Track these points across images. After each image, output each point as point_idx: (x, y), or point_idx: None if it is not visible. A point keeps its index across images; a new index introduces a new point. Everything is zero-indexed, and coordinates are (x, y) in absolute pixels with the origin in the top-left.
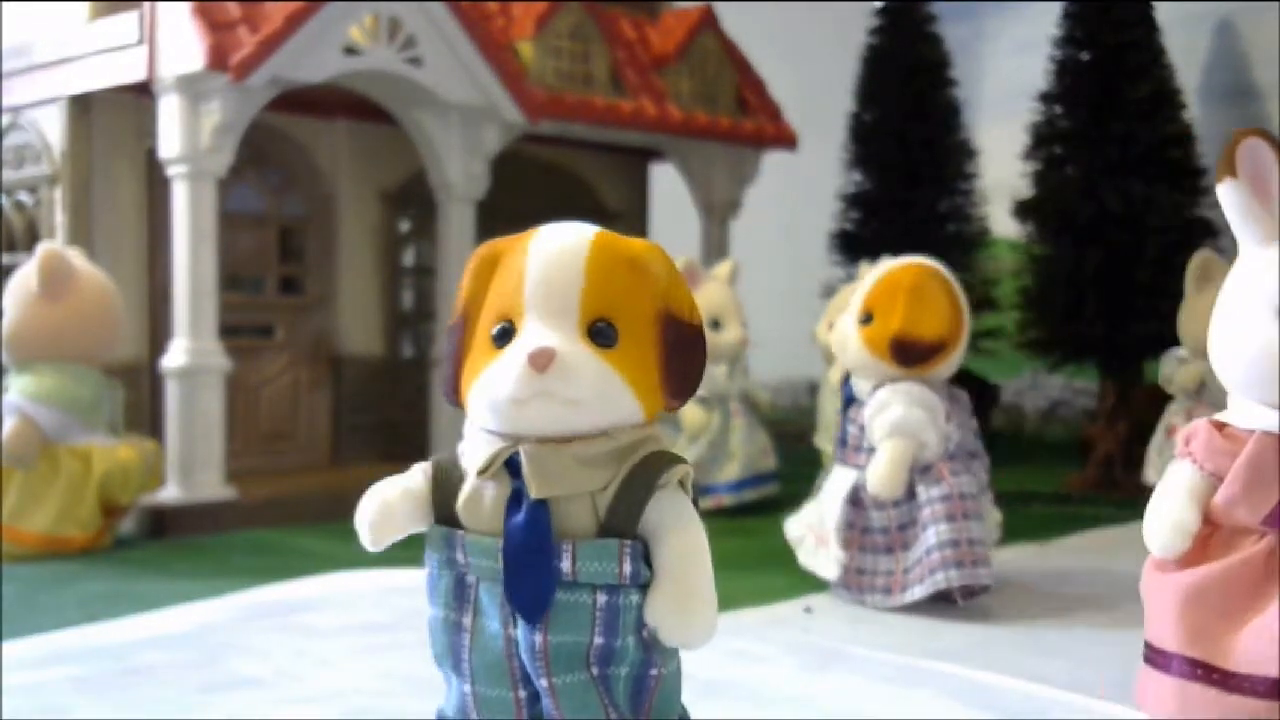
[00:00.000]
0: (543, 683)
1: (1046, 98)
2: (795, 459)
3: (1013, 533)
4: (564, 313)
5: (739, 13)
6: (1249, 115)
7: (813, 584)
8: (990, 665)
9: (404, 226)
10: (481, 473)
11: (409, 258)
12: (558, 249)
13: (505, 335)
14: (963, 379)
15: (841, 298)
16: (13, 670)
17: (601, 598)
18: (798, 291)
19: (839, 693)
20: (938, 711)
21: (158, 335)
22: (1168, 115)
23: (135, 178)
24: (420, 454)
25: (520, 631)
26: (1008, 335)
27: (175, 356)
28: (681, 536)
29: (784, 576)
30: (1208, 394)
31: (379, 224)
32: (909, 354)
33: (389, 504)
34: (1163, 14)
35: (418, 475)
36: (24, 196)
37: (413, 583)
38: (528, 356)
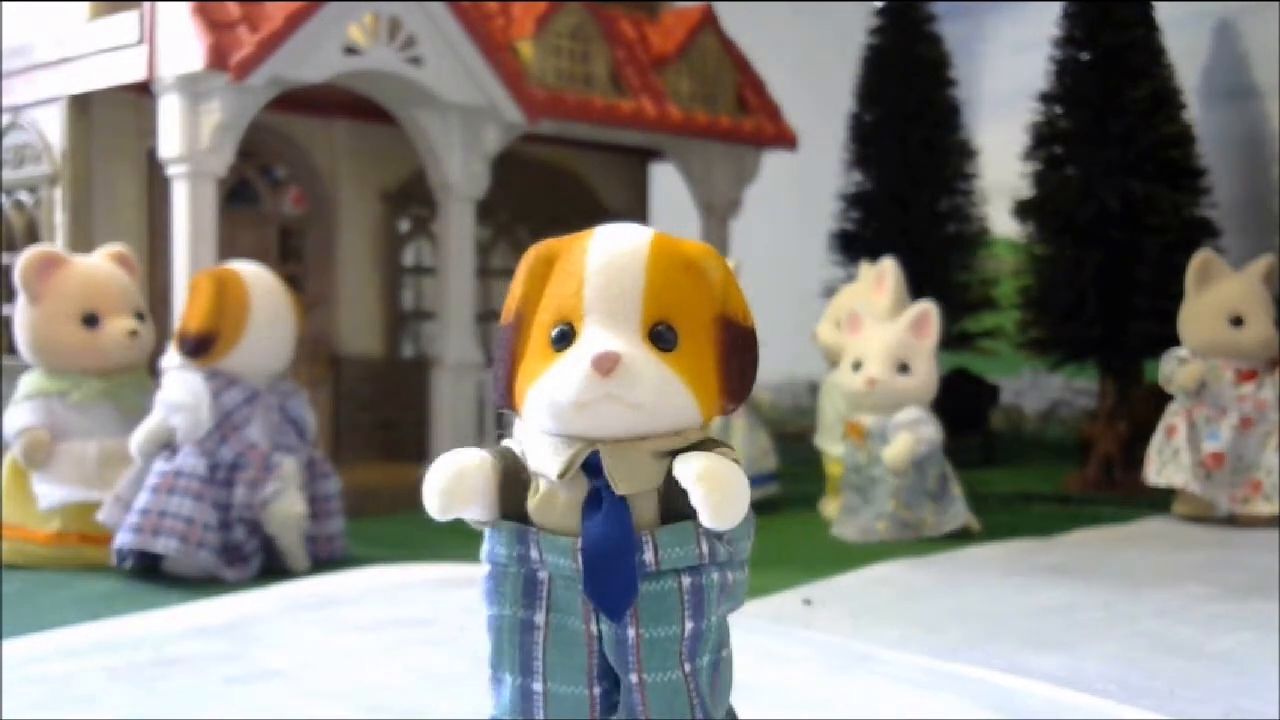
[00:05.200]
0: (632, 678)
1: (1046, 98)
2: (796, 459)
3: (1014, 530)
4: (625, 315)
5: (739, 13)
6: (1249, 115)
7: (810, 578)
8: (991, 661)
9: (404, 226)
10: (561, 475)
11: (409, 258)
12: (617, 251)
13: (565, 338)
14: (962, 378)
15: (842, 298)
16: (49, 660)
17: (686, 580)
18: (798, 291)
19: (857, 694)
20: (959, 714)
21: (158, 335)
22: (1167, 115)
23: (135, 177)
24: (420, 454)
25: (606, 627)
26: (1008, 335)
27: (175, 356)
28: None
29: (783, 572)
30: (1207, 394)
31: (379, 224)
32: (184, 345)
33: (465, 472)
34: (1163, 14)
35: (489, 457)
36: (24, 196)
37: (451, 576)
38: (592, 360)
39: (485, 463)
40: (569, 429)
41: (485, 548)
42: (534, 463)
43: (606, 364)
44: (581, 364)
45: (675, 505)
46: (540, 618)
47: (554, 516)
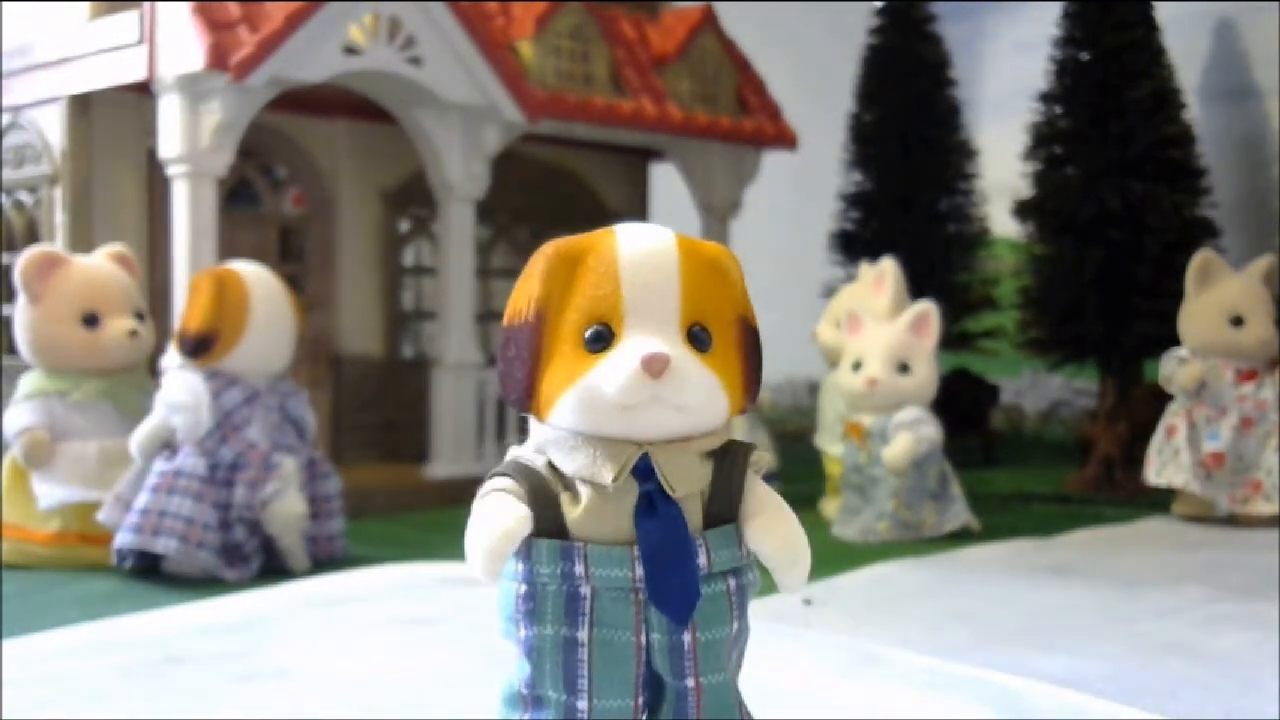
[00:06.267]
0: (689, 682)
1: (1046, 98)
2: (796, 459)
3: (1014, 530)
4: (665, 317)
5: (739, 13)
6: (1249, 115)
7: (810, 578)
8: (992, 662)
9: (404, 226)
10: (615, 480)
11: (409, 258)
12: (650, 251)
13: (600, 339)
14: (962, 378)
15: (842, 298)
16: (58, 657)
17: (732, 581)
18: (798, 291)
19: (859, 694)
20: (962, 714)
21: (157, 335)
22: (1168, 115)
23: (135, 178)
24: (420, 454)
25: (659, 635)
26: (1008, 335)
27: (175, 356)
28: (767, 488)
29: None
30: (1207, 394)
31: (379, 224)
32: (184, 345)
33: (510, 534)
34: (1163, 14)
35: (524, 508)
36: (24, 196)
37: (457, 576)
38: (642, 362)
39: (526, 516)
40: (609, 430)
41: (519, 568)
42: (571, 469)
43: (658, 366)
44: (629, 365)
45: (717, 507)
46: (584, 634)
47: (603, 526)
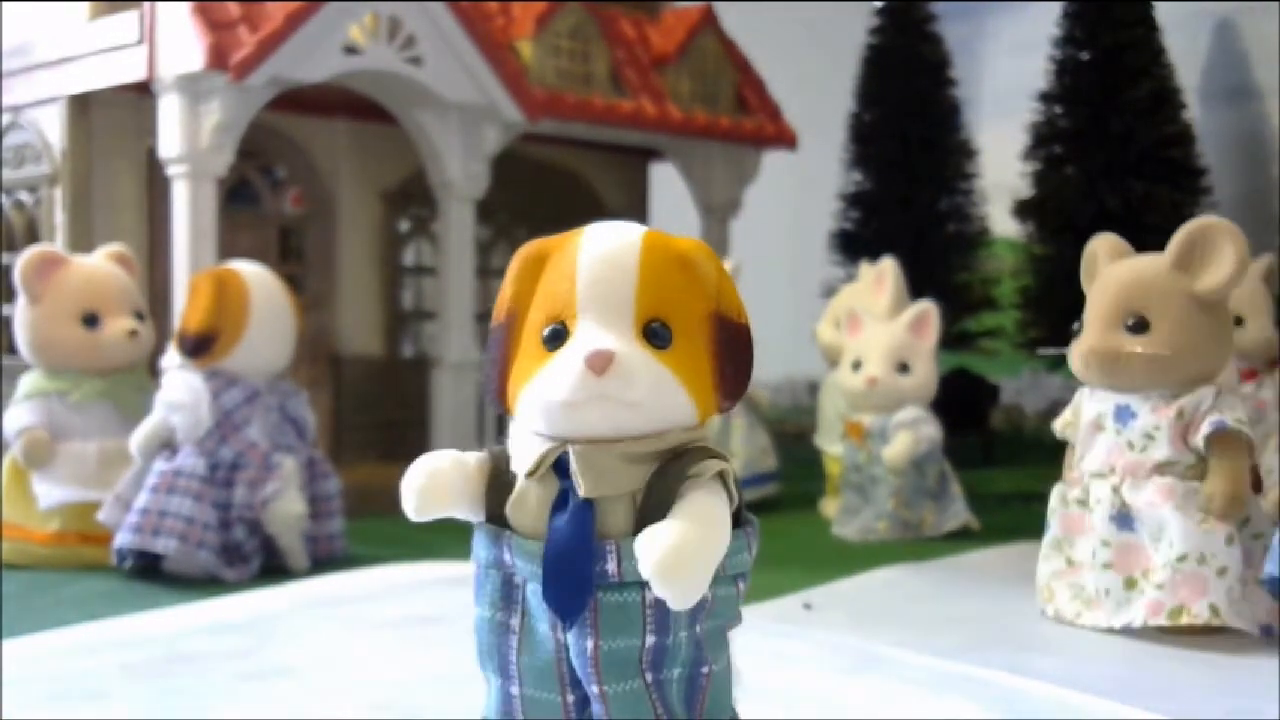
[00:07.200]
0: (594, 689)
1: (1046, 97)
2: (795, 458)
3: (1014, 530)
4: (618, 313)
5: (739, 13)
6: (1248, 115)
7: (811, 582)
8: (990, 662)
9: (404, 226)
10: (530, 474)
11: (409, 257)
12: (609, 248)
13: (557, 337)
14: (962, 378)
15: (842, 298)
16: (62, 656)
17: (650, 595)
18: (798, 291)
19: (862, 694)
20: (964, 714)
21: (158, 335)
22: (1167, 115)
23: (135, 177)
24: (420, 454)
25: (571, 636)
26: (1008, 335)
27: (175, 356)
28: (702, 499)
29: (783, 574)
30: None
31: (379, 223)
32: (184, 345)
33: (438, 472)
34: (1162, 14)
35: (472, 460)
36: (24, 196)
37: (460, 575)
38: (585, 359)
39: (461, 463)
40: (562, 430)
41: (472, 548)
42: (515, 463)
43: (600, 362)
44: (574, 363)
45: (651, 515)
46: (515, 621)
47: (526, 517)
